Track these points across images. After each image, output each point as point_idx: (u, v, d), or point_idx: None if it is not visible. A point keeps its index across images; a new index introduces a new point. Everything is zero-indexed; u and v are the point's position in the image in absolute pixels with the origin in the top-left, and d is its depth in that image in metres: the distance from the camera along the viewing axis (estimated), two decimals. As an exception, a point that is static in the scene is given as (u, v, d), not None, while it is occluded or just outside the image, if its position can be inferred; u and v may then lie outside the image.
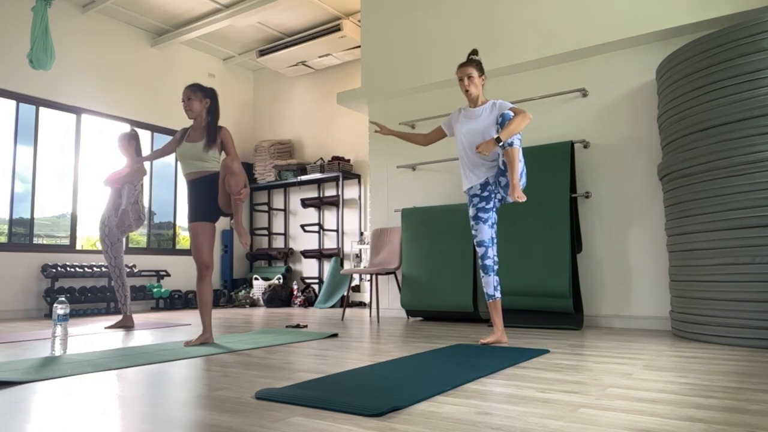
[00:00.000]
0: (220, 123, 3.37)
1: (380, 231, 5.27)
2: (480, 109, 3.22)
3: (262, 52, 7.36)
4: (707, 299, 3.12)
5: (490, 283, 3.13)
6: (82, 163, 6.41)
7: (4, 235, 5.77)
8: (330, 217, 7.50)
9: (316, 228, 7.51)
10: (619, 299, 4.06)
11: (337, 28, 6.60)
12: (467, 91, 3.21)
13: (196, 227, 3.26)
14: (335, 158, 7.12)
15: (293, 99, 8.09)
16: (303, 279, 7.59)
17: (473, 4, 4.85)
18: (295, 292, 7.14)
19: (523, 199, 2.96)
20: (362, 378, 2.11)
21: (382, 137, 5.26)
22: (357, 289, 6.95)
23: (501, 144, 2.93)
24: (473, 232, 3.18)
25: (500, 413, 1.59)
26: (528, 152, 4.12)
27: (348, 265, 7.15)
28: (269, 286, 7.15)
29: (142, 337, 3.71)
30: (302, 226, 7.44)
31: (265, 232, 8.06)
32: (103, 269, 6.18)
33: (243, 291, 7.36)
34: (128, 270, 6.34)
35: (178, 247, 7.35)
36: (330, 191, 7.49)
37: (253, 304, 7.25)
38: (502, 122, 2.99)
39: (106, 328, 4.38)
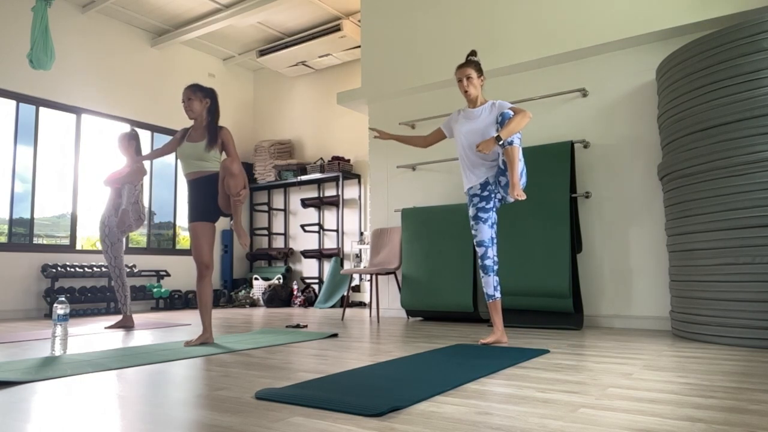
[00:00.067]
0: (221, 123, 3.37)
1: (380, 231, 5.27)
2: (479, 110, 3.22)
3: (262, 52, 7.35)
4: (707, 299, 3.12)
5: (490, 283, 3.14)
6: (82, 163, 6.41)
7: (4, 235, 5.77)
8: (330, 217, 7.50)
9: (316, 228, 7.51)
10: (619, 299, 4.06)
11: (337, 28, 6.60)
12: (466, 91, 3.21)
13: (196, 227, 3.26)
14: (335, 158, 7.12)
15: (293, 99, 8.09)
16: (303, 279, 7.59)
17: (473, 4, 4.85)
18: (295, 292, 7.14)
19: (523, 197, 2.97)
20: (362, 378, 2.11)
21: (382, 138, 5.26)
22: (357, 289, 6.95)
23: (501, 143, 2.93)
24: (473, 232, 3.19)
25: (500, 413, 1.59)
26: (528, 152, 4.12)
27: (348, 265, 7.14)
28: (269, 286, 7.15)
29: (142, 337, 3.71)
30: (302, 226, 7.44)
31: (265, 232, 8.05)
32: (103, 269, 6.18)
33: (243, 291, 7.36)
34: (128, 270, 6.34)
35: (178, 247, 7.35)
36: (330, 191, 7.49)
37: (253, 304, 7.25)
38: (502, 121, 3.00)
39: (106, 328, 4.38)
